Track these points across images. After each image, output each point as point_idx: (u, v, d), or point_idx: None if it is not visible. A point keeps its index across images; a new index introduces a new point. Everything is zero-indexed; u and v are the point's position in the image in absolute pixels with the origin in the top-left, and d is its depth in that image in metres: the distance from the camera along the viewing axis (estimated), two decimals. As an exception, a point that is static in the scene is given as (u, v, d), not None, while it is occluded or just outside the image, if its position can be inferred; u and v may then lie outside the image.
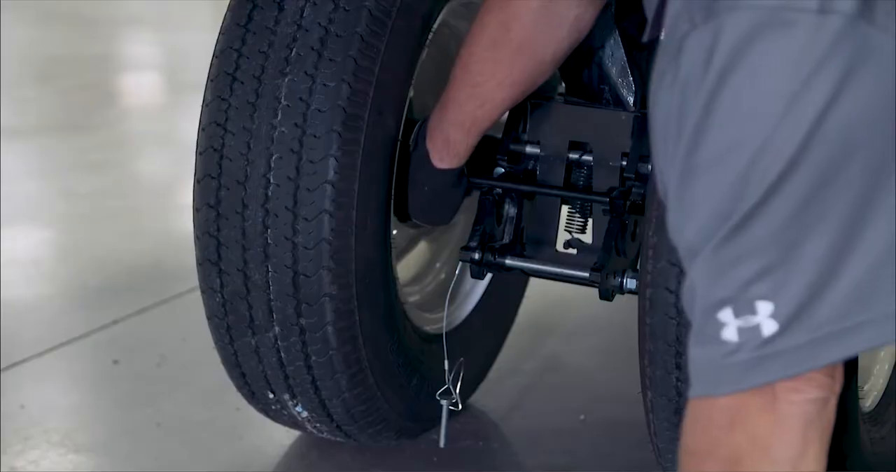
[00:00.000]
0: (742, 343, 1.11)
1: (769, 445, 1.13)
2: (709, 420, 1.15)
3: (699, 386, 1.14)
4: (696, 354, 1.15)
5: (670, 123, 1.15)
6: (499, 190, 2.07)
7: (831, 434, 1.18)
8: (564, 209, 2.14)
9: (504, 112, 1.96)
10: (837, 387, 1.16)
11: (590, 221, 2.12)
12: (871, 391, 2.06)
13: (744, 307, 1.11)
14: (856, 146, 1.09)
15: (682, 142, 1.14)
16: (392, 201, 1.99)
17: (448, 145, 1.96)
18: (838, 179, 1.09)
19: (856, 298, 1.10)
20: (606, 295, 2.01)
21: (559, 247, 2.16)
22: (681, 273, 1.74)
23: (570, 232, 2.14)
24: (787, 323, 1.10)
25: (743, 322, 1.11)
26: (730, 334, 1.11)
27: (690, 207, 1.14)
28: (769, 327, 1.10)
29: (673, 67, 1.15)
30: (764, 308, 1.10)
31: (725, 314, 1.11)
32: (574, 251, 2.10)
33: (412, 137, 2.00)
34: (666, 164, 1.17)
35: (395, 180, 1.98)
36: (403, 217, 2.07)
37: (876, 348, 1.14)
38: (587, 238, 2.10)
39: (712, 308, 1.12)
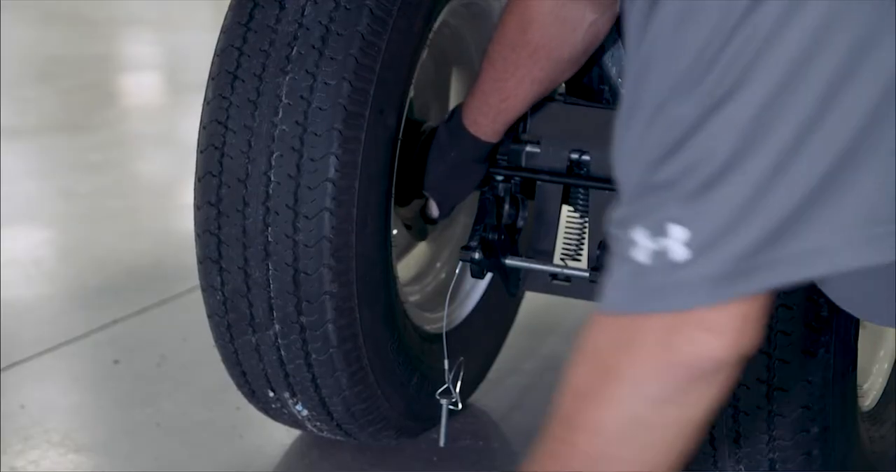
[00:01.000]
0: (651, 266, 1.07)
1: (642, 380, 1.11)
2: (604, 328, 1.12)
3: (603, 302, 1.11)
4: (610, 270, 1.11)
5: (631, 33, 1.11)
6: (499, 190, 2.08)
7: (718, 401, 1.14)
8: (564, 209, 2.14)
9: (529, 105, 1.99)
10: (744, 348, 1.10)
11: (585, 246, 2.13)
12: (870, 390, 2.06)
13: (658, 229, 1.06)
14: (812, 58, 1.03)
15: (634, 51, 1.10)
16: (392, 198, 1.99)
17: (477, 127, 2.00)
18: (796, 89, 1.03)
19: (778, 232, 1.05)
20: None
21: (558, 248, 2.16)
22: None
23: (564, 260, 2.15)
24: (700, 252, 1.05)
25: (655, 245, 1.06)
26: (639, 254, 1.07)
27: (631, 122, 1.10)
28: (680, 253, 1.05)
29: None
30: (678, 233, 1.05)
31: (639, 233, 1.07)
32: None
33: (450, 111, 2.05)
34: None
35: (398, 172, 1.98)
36: (407, 200, 2.07)
37: (793, 285, 1.09)
38: (582, 264, 2.12)
39: (627, 224, 1.08)
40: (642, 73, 1.09)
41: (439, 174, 2.06)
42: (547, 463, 1.18)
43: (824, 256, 1.06)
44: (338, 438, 2.15)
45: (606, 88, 2.08)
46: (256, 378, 2.02)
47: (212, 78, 1.92)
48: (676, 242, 1.05)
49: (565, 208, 2.15)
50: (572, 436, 1.16)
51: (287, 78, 1.86)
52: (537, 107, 2.07)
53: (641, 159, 1.08)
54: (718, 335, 1.09)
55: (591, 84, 2.09)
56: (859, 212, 1.06)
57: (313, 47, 1.85)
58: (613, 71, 2.06)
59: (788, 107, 1.04)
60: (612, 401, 1.13)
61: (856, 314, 1.49)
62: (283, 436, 2.29)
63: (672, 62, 1.06)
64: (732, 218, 1.05)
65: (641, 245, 1.06)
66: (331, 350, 1.93)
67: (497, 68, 1.94)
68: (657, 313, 1.08)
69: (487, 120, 1.99)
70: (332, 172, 1.85)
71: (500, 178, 2.08)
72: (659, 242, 1.05)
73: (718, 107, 1.04)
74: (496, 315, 2.41)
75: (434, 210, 2.10)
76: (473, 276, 2.11)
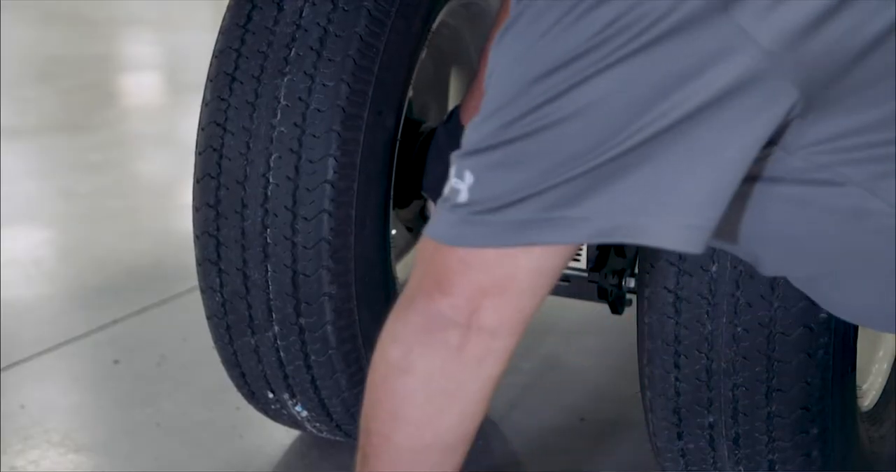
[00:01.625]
0: (446, 199, 1.15)
1: (398, 312, 1.20)
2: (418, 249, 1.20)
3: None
4: None
5: None
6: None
7: (454, 370, 1.18)
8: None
9: None
10: (472, 318, 1.15)
11: (584, 246, 2.13)
12: (869, 390, 2.06)
13: (460, 173, 1.14)
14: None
15: None
16: (391, 199, 1.99)
17: None
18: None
19: (555, 197, 1.11)
20: (605, 295, 2.01)
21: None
22: (680, 272, 1.74)
23: None
24: (472, 198, 1.13)
25: (455, 184, 1.14)
26: (447, 188, 1.16)
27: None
28: (463, 196, 1.13)
29: None
30: (469, 179, 1.13)
31: (453, 170, 1.15)
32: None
33: (448, 112, 2.05)
34: None
35: (397, 173, 1.98)
36: (407, 201, 2.07)
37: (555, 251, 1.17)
38: (581, 263, 2.12)
39: (452, 161, 1.16)
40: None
41: (438, 175, 2.05)
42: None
43: (589, 225, 1.11)
44: (337, 438, 2.15)
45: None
46: (256, 379, 2.02)
47: (210, 79, 1.92)
48: (465, 185, 1.13)
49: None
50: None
51: (285, 79, 1.86)
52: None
53: (482, 112, 1.15)
54: (447, 292, 1.15)
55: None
56: (661, 199, 1.11)
57: (311, 49, 1.85)
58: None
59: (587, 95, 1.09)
60: (383, 333, 1.22)
61: (851, 320, 1.49)
62: (282, 436, 2.29)
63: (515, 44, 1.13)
64: (510, 179, 1.12)
65: (451, 181, 1.15)
66: (330, 351, 1.94)
67: None
68: (432, 241, 1.16)
69: None
70: (330, 174, 1.85)
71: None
72: (458, 182, 1.15)
73: (538, 80, 1.10)
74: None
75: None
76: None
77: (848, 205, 1.20)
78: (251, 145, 1.87)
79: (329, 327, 1.91)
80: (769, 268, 1.34)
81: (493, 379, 1.20)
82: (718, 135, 1.09)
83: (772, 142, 1.15)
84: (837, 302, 1.38)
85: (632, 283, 2.00)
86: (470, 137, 1.15)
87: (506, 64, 1.12)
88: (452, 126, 2.03)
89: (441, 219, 1.15)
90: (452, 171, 1.15)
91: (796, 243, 1.27)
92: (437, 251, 1.16)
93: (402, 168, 2.02)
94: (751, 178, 1.18)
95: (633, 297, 1.95)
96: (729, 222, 1.22)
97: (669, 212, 1.11)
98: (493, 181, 1.12)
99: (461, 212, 1.13)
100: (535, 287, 1.18)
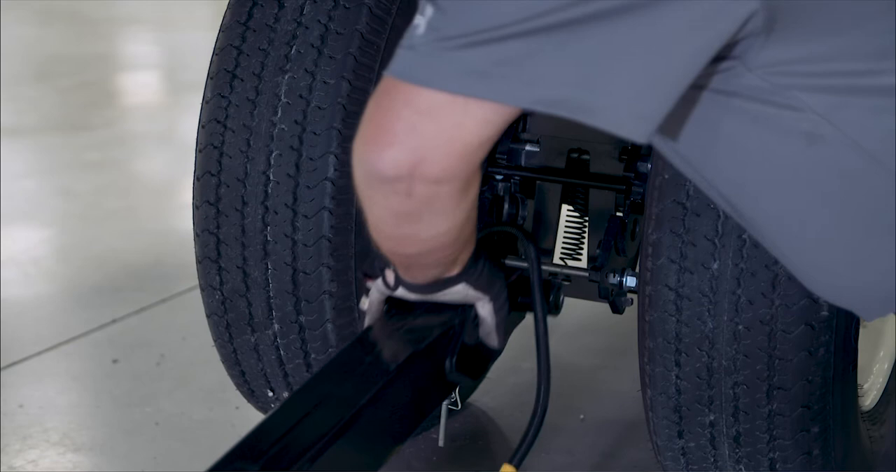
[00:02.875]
0: (407, 35, 1.14)
1: (359, 142, 1.16)
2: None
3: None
4: None
5: None
6: (499, 189, 2.08)
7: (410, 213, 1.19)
8: (564, 209, 2.14)
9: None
10: (412, 170, 1.14)
11: (585, 246, 2.12)
12: (870, 390, 2.06)
13: (424, 8, 1.13)
14: None
15: None
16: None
17: None
18: None
19: (507, 51, 1.10)
20: (606, 294, 2.01)
21: (558, 247, 2.16)
22: (681, 270, 1.74)
23: (563, 259, 2.15)
24: (428, 30, 1.12)
25: (418, 19, 1.13)
26: (408, 30, 1.14)
27: None
28: (421, 28, 1.13)
29: None
30: (429, 12, 1.12)
31: (419, 9, 1.14)
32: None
33: None
34: None
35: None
36: None
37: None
38: (582, 263, 2.12)
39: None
40: None
41: None
42: None
43: (533, 90, 1.11)
44: (337, 437, 2.15)
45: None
46: (255, 378, 2.02)
47: (210, 77, 1.92)
48: (425, 19, 1.12)
49: (565, 207, 2.14)
50: None
51: (286, 77, 1.86)
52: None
53: None
54: (390, 142, 1.14)
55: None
56: (609, 78, 1.11)
57: (312, 46, 1.85)
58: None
59: None
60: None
61: (845, 306, 1.47)
62: (282, 435, 2.28)
63: None
64: (470, 16, 1.11)
65: (417, 18, 1.14)
66: (330, 350, 1.93)
67: None
68: (383, 83, 1.15)
69: None
70: (331, 172, 1.85)
71: (499, 177, 2.08)
72: (419, 19, 1.13)
73: None
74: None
75: None
76: (473, 275, 2.11)
77: (802, 129, 1.20)
78: (252, 143, 1.87)
79: (329, 326, 1.91)
80: (723, 192, 1.34)
81: (451, 210, 1.22)
82: (676, 26, 1.10)
83: (731, 55, 1.16)
84: (792, 260, 1.36)
85: (632, 282, 1.99)
86: None
87: None
88: None
89: (397, 57, 1.14)
90: (419, 9, 1.13)
91: (746, 163, 1.26)
92: (386, 93, 1.15)
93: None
94: (707, 88, 1.19)
95: (634, 296, 1.95)
96: (681, 129, 1.23)
97: (616, 93, 1.11)
98: (454, 14, 1.11)
99: (417, 48, 1.12)
100: (482, 139, 1.16)
